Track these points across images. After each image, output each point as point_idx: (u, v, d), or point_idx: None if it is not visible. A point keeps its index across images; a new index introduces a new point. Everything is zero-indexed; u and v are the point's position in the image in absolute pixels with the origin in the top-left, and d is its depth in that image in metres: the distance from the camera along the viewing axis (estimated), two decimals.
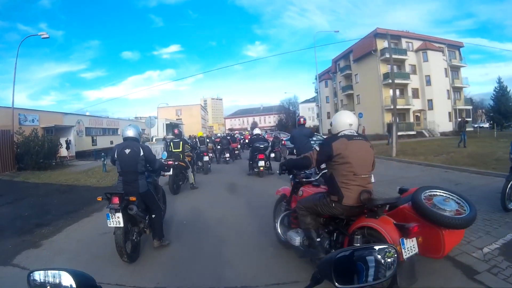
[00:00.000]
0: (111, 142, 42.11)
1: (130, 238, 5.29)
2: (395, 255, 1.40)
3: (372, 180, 4.20)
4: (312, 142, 11.27)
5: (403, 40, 44.23)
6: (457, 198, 4.35)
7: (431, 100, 43.82)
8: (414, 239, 3.55)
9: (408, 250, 3.48)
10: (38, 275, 1.39)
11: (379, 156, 17.12)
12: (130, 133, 5.85)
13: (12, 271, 5.09)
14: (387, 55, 39.55)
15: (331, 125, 4.31)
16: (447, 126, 43.24)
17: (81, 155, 33.74)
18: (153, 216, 5.67)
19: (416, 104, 43.29)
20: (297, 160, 4.71)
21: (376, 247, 1.42)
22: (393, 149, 18.79)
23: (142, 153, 5.57)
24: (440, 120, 43.39)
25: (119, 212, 5.01)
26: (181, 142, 12.04)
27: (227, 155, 21.71)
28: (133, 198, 5.33)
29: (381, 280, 1.36)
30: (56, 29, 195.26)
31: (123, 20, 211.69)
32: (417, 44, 44.76)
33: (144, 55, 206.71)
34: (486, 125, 57.35)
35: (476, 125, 50.48)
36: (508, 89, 49.94)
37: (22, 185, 15.07)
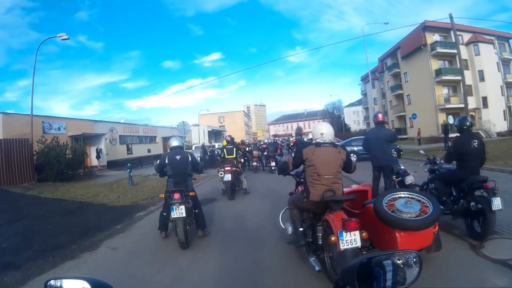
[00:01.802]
0: (149, 151, 45.43)
1: (185, 227, 7.11)
2: (416, 259, 1.55)
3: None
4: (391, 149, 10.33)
5: (452, 33, 42.81)
6: (422, 198, 5.24)
7: (486, 97, 44.06)
8: (357, 233, 4.56)
9: (346, 242, 4.52)
10: (55, 283, 1.60)
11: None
12: (176, 143, 8.18)
13: None
14: (439, 49, 41.97)
15: (298, 135, 7.14)
16: (502, 125, 43.54)
17: (114, 164, 35.21)
18: (197, 211, 7.84)
19: (470, 102, 42.01)
20: (281, 165, 6.32)
21: (397, 253, 1.56)
22: None
23: (190, 159, 7.95)
24: (496, 119, 43.49)
25: (182, 204, 7.02)
26: (234, 148, 14.07)
27: (273, 163, 21.53)
28: (192, 193, 7.58)
29: (402, 286, 1.47)
30: (97, 41, 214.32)
31: (162, 30, 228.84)
32: (466, 37, 44.79)
33: (186, 63, 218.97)
34: None
35: None
36: None
37: (28, 201, 15.07)
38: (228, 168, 12.71)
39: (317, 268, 5.11)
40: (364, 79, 73.44)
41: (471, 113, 43.07)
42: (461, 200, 6.80)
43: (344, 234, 4.57)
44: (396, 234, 4.84)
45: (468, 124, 7.19)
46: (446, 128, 28.51)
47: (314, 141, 5.73)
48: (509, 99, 45.72)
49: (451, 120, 33.52)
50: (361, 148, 24.61)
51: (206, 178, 20.84)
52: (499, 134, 41.48)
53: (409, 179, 8.84)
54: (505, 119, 45.14)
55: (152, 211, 11.57)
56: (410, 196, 5.36)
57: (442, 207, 6.46)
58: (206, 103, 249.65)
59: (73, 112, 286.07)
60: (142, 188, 16.89)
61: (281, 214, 7.10)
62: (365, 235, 4.70)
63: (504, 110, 45.38)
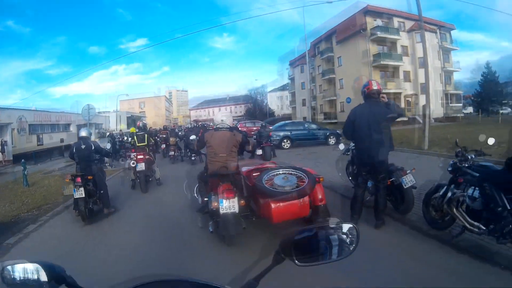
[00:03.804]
0: (62, 140, 40.68)
1: (88, 206, 8.55)
2: (353, 231, 1.63)
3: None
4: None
5: (395, 20, 45.66)
6: (299, 173, 6.49)
7: (424, 83, 41.82)
8: (234, 200, 5.91)
9: (225, 208, 5.86)
10: (10, 268, 1.56)
11: (404, 150, 17.12)
12: (83, 133, 9.65)
13: None
14: (379, 34, 42.47)
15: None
16: (439, 111, 43.71)
17: (22, 158, 26.73)
18: (102, 191, 9.22)
19: (408, 88, 44.93)
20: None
21: (334, 225, 1.65)
22: (425, 141, 17.77)
23: (93, 147, 9.39)
24: (433, 105, 40.88)
25: (82, 187, 8.35)
26: (146, 135, 13.32)
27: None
28: (90, 177, 8.90)
29: (340, 257, 1.61)
30: (23, 25, 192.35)
31: (89, 14, 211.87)
32: (409, 24, 45.86)
33: (111, 49, 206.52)
34: (468, 110, 58.30)
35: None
36: (497, 74, 53.43)
37: None
38: (141, 156, 12.02)
39: (210, 230, 6.38)
40: (292, 63, 73.37)
41: (407, 99, 44.89)
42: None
43: (224, 201, 5.92)
44: (271, 204, 6.03)
45: None
46: None
47: (215, 127, 7.20)
48: (447, 87, 47.62)
49: None
50: (297, 133, 24.11)
51: (114, 172, 18.08)
52: (436, 119, 41.05)
53: (408, 181, 6.91)
54: (442, 106, 45.93)
55: (32, 230, 8.53)
56: (287, 172, 6.62)
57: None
58: (129, 89, 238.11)
59: None
60: (37, 190, 14.14)
61: (195, 188, 8.24)
62: (243, 203, 6.23)
63: (441, 97, 46.19)
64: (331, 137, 25.05)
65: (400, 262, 5.20)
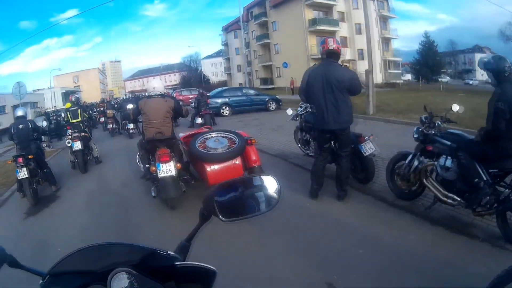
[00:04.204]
0: None
1: (32, 186, 8.30)
2: (275, 184, 1.61)
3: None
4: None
5: None
6: (229, 135, 6.92)
7: (362, 49, 44.39)
8: (171, 164, 6.15)
9: (163, 171, 6.08)
10: None
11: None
12: (19, 113, 9.66)
13: None
14: None
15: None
16: (378, 77, 43.64)
17: None
18: (45, 170, 9.24)
19: (346, 54, 44.69)
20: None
21: (254, 177, 1.69)
22: (369, 106, 17.45)
23: (31, 126, 9.30)
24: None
25: (24, 167, 8.18)
26: (79, 110, 12.07)
27: (131, 125, 17.16)
28: (31, 156, 8.69)
29: (265, 210, 1.58)
30: None
31: None
32: None
33: (41, 23, 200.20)
34: (406, 77, 61.82)
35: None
36: (435, 44, 55.74)
37: None
38: (76, 134, 11.06)
39: (153, 194, 6.72)
40: (226, 29, 73.03)
41: (345, 64, 44.32)
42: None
43: (161, 165, 6.17)
44: (206, 167, 6.34)
45: None
46: None
47: (147, 94, 7.29)
48: (384, 54, 48.78)
49: None
50: (236, 99, 23.38)
51: (53, 153, 16.10)
52: (376, 85, 40.98)
53: (367, 148, 6.50)
54: (380, 72, 46.83)
55: None
56: (219, 135, 7.06)
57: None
58: (63, 64, 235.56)
59: None
60: None
61: (137, 156, 8.33)
62: (179, 166, 6.48)
63: (379, 64, 46.84)
64: (271, 102, 24.55)
65: (372, 235, 4.81)
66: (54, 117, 23.32)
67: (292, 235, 5.04)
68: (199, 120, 16.16)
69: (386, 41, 49.90)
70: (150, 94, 7.14)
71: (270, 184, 1.62)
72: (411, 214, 5.36)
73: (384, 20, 49.37)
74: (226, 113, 22.77)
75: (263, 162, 7.80)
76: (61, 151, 15.79)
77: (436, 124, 5.34)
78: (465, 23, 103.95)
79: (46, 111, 33.93)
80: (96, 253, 1.36)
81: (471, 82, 59.20)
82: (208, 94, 21.08)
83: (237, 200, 1.57)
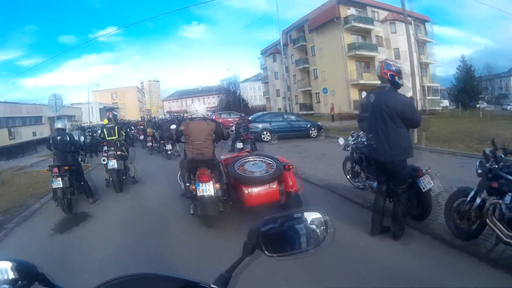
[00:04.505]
0: (34, 134, 38.93)
1: (66, 196, 8.72)
2: (324, 220, 1.60)
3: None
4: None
5: (369, 9, 45.94)
6: (268, 160, 7.25)
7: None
8: (210, 184, 6.48)
9: (202, 190, 6.41)
10: None
11: None
12: (60, 125, 10.08)
13: None
14: (353, 23, 42.46)
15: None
16: (418, 104, 40.45)
17: None
18: (82, 183, 9.71)
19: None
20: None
21: (303, 213, 1.64)
22: (414, 134, 15.59)
23: (68, 139, 9.68)
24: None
25: (59, 177, 8.60)
26: (116, 128, 12.02)
27: (169, 146, 17.48)
28: (66, 167, 9.02)
29: (311, 246, 1.57)
30: None
31: (57, 2, 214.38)
32: (383, 14, 46.48)
33: (80, 38, 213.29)
34: (443, 104, 58.92)
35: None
36: (472, 68, 54.72)
37: None
38: (112, 152, 10.98)
39: (191, 212, 7.03)
40: (265, 52, 73.20)
41: None
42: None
43: (200, 184, 6.53)
44: (243, 189, 6.76)
45: None
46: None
47: (190, 117, 7.73)
48: (423, 79, 47.36)
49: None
50: (277, 124, 23.06)
51: (85, 169, 14.45)
52: None
53: (426, 183, 5.92)
54: (420, 99, 43.88)
55: None
56: (257, 158, 7.41)
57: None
58: (101, 80, 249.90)
59: None
60: (7, 189, 12.92)
61: (178, 175, 8.58)
62: (218, 186, 6.68)
63: (418, 90, 43.68)
64: (312, 129, 23.96)
65: (432, 280, 4.52)
66: (90, 133, 23.40)
67: (342, 279, 4.72)
68: (240, 145, 15.69)
69: (424, 67, 49.00)
70: (193, 116, 7.57)
71: (320, 221, 1.62)
72: (471, 256, 4.93)
73: (421, 44, 48.30)
74: (266, 138, 22.45)
75: (309, 193, 8.10)
76: (95, 167, 15.98)
77: (500, 156, 4.99)
78: (499, 45, 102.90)
79: (82, 125, 34.74)
80: (134, 284, 1.38)
81: (508, 107, 57.75)
82: (249, 119, 20.46)
83: (284, 235, 1.57)
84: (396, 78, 5.37)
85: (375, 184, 6.74)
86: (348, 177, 8.91)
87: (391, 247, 5.51)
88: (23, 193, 11.63)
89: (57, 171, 8.77)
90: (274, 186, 6.97)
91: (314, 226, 1.61)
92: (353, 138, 8.40)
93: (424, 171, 6.02)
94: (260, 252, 1.51)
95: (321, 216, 1.62)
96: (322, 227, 1.60)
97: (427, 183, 5.91)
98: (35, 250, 6.48)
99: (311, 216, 1.62)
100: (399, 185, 5.66)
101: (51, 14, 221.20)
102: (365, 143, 7.48)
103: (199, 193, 6.52)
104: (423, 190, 5.92)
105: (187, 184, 7.43)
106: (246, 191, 6.75)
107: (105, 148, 11.57)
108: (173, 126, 14.32)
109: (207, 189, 6.50)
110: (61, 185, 8.61)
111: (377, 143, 5.56)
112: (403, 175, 5.66)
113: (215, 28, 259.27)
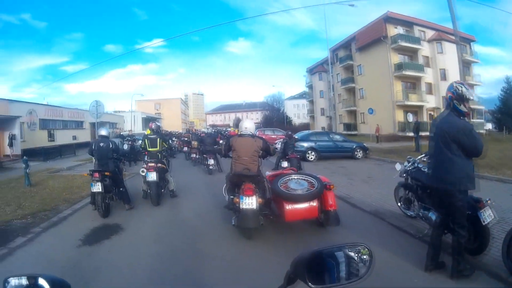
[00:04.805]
0: (74, 138, 40.78)
1: (104, 201, 9.17)
2: (368, 253, 1.60)
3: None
4: None
5: (416, 28, 45.25)
6: (310, 179, 7.52)
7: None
8: (253, 198, 6.80)
9: (245, 204, 6.78)
10: (14, 281, 1.57)
11: None
12: (104, 132, 10.55)
13: None
14: (400, 42, 41.73)
15: (237, 126, 10.59)
16: None
17: (31, 153, 27.49)
18: (121, 189, 10.11)
19: (430, 101, 43.70)
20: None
21: (347, 246, 1.61)
22: None
23: (111, 146, 10.15)
24: None
25: (99, 182, 9.04)
26: (158, 139, 11.54)
27: (211, 161, 17.30)
28: (107, 173, 9.56)
29: (354, 279, 1.53)
30: (40, 20, 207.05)
31: (106, 12, 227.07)
32: (429, 33, 45.76)
33: (127, 48, 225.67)
34: (486, 127, 56.31)
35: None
36: None
37: None
38: (152, 164, 10.74)
39: (233, 223, 7.34)
40: (310, 70, 73.32)
41: (430, 112, 43.61)
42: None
43: (244, 198, 6.87)
44: (285, 205, 7.10)
45: None
46: (417, 126, 26.25)
47: (239, 133, 8.07)
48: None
49: (410, 118, 33.44)
50: (322, 144, 22.87)
51: (125, 176, 14.03)
52: None
53: (487, 215, 5.60)
54: None
55: (20, 245, 7.21)
56: (301, 177, 7.74)
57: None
58: (145, 90, 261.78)
59: (12, 94, 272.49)
60: (39, 191, 12.89)
61: (223, 187, 8.87)
62: (261, 201, 7.13)
63: None
64: (358, 150, 23.54)
65: None
66: (130, 142, 23.65)
67: None
68: (284, 164, 14.96)
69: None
70: (241, 133, 7.91)
71: (364, 252, 1.61)
72: None
73: (466, 65, 46.39)
74: (311, 158, 22.22)
75: (356, 219, 8.37)
76: (132, 176, 15.79)
77: None
78: None
79: (121, 133, 35.10)
80: None
81: None
82: (296, 137, 19.35)
83: (327, 267, 1.55)
84: (455, 102, 5.06)
85: (430, 214, 6.28)
86: (399, 204, 8.57)
87: (445, 283, 5.19)
88: (55, 197, 11.72)
89: (98, 176, 9.16)
90: (314, 203, 7.27)
91: (358, 258, 1.60)
92: (410, 164, 8.05)
93: (484, 202, 5.67)
94: (300, 281, 1.50)
95: (365, 247, 1.63)
96: (366, 260, 1.61)
97: (487, 216, 5.56)
98: (59, 260, 6.24)
99: (355, 248, 1.63)
100: (456, 218, 5.28)
101: (99, 23, 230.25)
102: (422, 169, 7.33)
103: (242, 206, 6.87)
104: (483, 223, 5.54)
105: (231, 197, 7.74)
106: (287, 207, 7.10)
107: (146, 157, 11.51)
108: (221, 142, 15.60)
109: (250, 202, 6.85)
110: (100, 190, 9.04)
111: (430, 167, 5.56)
112: (460, 207, 5.21)
113: (261, 45, 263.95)
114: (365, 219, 8.76)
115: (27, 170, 14.24)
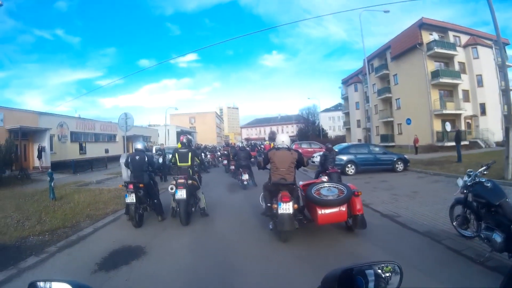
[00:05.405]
0: (106, 151, 41.69)
1: (138, 211, 9.73)
2: (397, 269, 1.66)
3: None
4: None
5: (450, 34, 44.15)
6: (340, 187, 8.36)
7: (484, 104, 42.84)
8: (289, 204, 7.62)
9: (282, 209, 7.59)
10: (39, 285, 1.65)
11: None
12: (139, 146, 11.22)
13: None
14: (436, 49, 40.79)
15: (273, 140, 11.52)
16: (500, 135, 40.04)
17: (60, 166, 29.96)
18: (155, 200, 10.61)
19: (467, 109, 42.50)
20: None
21: (377, 263, 1.67)
22: (509, 169, 14.88)
23: (146, 159, 10.74)
24: (494, 128, 41.98)
25: (133, 193, 9.61)
26: (189, 154, 11.04)
27: (246, 176, 17.04)
28: (141, 185, 10.07)
29: None
30: (73, 35, 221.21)
31: (140, 27, 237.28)
32: (464, 39, 44.46)
33: (161, 63, 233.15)
34: None
35: None
36: None
37: None
38: (182, 181, 10.09)
39: (270, 227, 8.44)
40: (346, 82, 73.07)
41: (467, 121, 42.68)
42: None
43: (282, 204, 7.61)
44: (318, 210, 7.82)
45: None
46: (458, 135, 25.86)
47: (276, 146, 8.93)
48: (505, 108, 44.90)
49: (448, 127, 32.73)
50: (362, 157, 22.30)
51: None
52: (497, 144, 39.45)
53: None
54: (502, 128, 41.67)
55: (30, 266, 6.91)
56: (331, 185, 8.60)
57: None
58: (180, 104, 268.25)
59: (47, 107, 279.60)
60: (62, 206, 12.69)
61: (260, 196, 9.68)
62: (296, 206, 7.89)
63: (501, 119, 42.75)
64: (399, 162, 22.64)
65: None
66: (159, 155, 22.74)
67: None
68: (324, 179, 13.38)
69: (504, 94, 46.10)
70: (278, 146, 8.82)
71: (393, 270, 1.68)
72: None
73: (501, 69, 45.49)
74: (351, 172, 21.60)
75: (409, 242, 7.86)
76: (162, 192, 13.97)
77: None
78: None
79: (152, 146, 35.61)
80: None
81: None
82: (336, 150, 18.17)
83: (358, 285, 1.58)
84: None
85: (494, 235, 5.79)
86: (454, 223, 7.76)
87: None
88: (78, 212, 11.46)
89: (132, 187, 9.77)
90: (343, 208, 7.93)
91: (387, 278, 1.65)
92: (470, 179, 6.99)
93: None
94: None
95: (395, 265, 1.68)
96: (396, 276, 1.67)
97: None
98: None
99: (385, 265, 1.68)
100: None
101: (133, 38, 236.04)
102: (485, 183, 6.44)
103: (280, 211, 7.66)
104: None
105: (269, 204, 8.59)
106: (320, 212, 7.85)
107: (176, 173, 11.06)
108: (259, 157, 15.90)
109: (287, 208, 7.64)
110: (134, 201, 9.63)
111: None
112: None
113: (295, 58, 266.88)
114: (419, 241, 7.86)
115: (52, 183, 14.11)
